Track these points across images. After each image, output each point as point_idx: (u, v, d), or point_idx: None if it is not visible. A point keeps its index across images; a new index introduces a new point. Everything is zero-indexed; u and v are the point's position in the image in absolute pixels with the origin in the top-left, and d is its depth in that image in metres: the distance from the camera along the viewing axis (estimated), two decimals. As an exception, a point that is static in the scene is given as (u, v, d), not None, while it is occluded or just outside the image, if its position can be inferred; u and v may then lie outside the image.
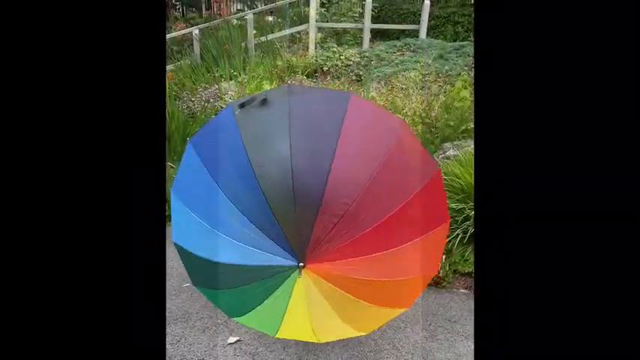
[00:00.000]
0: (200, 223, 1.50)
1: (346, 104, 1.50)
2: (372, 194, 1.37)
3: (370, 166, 1.39)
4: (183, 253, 1.66)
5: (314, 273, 1.43)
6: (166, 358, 2.01)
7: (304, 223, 1.35)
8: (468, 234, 2.73)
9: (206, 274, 1.60)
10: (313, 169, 1.35)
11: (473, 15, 8.78)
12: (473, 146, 3.52)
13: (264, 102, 1.53)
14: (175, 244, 1.63)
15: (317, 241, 1.37)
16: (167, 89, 4.82)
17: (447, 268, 2.62)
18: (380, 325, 1.84)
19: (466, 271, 2.65)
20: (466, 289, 2.57)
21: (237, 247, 1.43)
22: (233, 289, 1.57)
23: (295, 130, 1.40)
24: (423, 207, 1.48)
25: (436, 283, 2.58)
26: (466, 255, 2.72)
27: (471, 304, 2.42)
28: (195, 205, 1.54)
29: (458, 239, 2.74)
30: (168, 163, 4.03)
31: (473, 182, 2.94)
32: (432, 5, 8.74)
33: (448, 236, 2.77)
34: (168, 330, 2.19)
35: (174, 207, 1.66)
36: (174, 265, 2.83)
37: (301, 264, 1.39)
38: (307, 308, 1.52)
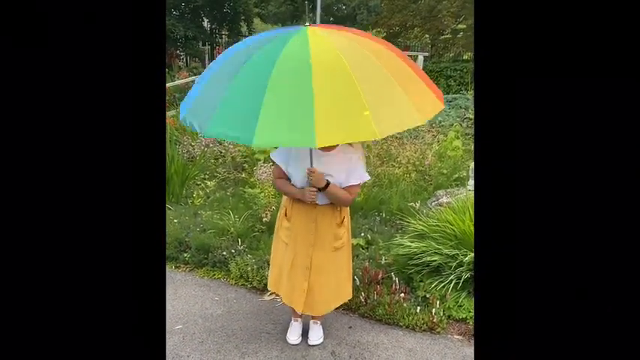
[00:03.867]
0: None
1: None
2: None
3: None
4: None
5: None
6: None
7: None
8: (462, 280, 2.75)
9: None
10: None
11: (467, 69, 9.17)
12: (465, 194, 3.60)
13: None
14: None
15: None
16: (168, 134, 4.94)
17: (442, 314, 2.61)
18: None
19: (460, 317, 2.64)
20: (460, 335, 2.55)
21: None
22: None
23: None
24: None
25: (430, 329, 2.57)
26: (460, 301, 2.72)
27: (465, 350, 2.40)
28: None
29: (452, 285, 2.75)
30: (167, 205, 4.08)
31: (466, 229, 2.98)
32: (425, 60, 9.16)
33: (442, 282, 2.79)
34: (158, 373, 2.16)
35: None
36: (167, 307, 2.81)
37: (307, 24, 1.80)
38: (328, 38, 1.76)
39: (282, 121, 1.56)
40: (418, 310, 2.62)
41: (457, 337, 2.54)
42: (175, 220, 3.71)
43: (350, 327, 2.61)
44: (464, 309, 2.68)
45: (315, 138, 1.49)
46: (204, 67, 9.56)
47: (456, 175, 4.54)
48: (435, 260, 2.85)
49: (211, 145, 5.24)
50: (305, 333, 2.45)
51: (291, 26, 1.94)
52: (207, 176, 4.68)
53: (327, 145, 1.64)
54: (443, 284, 2.77)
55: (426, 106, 1.81)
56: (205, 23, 12.62)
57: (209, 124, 1.60)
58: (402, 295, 2.71)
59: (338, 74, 1.60)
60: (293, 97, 1.57)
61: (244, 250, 3.29)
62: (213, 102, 1.64)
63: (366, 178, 2.20)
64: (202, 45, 12.28)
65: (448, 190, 4.18)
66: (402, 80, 1.74)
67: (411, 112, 1.70)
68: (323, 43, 1.70)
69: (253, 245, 3.38)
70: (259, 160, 4.57)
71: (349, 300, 2.76)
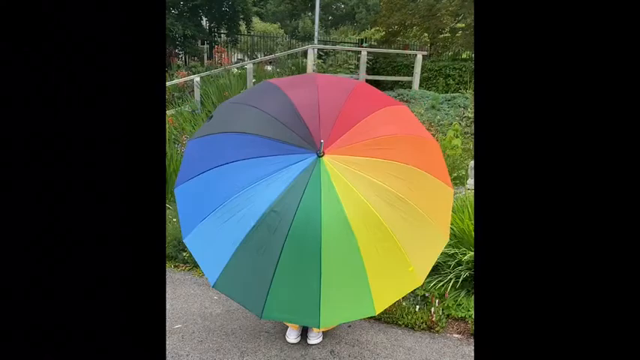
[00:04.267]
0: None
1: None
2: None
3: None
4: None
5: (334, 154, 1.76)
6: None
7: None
8: (461, 279, 2.76)
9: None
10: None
11: (465, 67, 9.17)
12: (464, 193, 3.61)
13: (210, 118, 1.94)
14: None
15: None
16: (167, 133, 4.94)
17: (440, 313, 2.62)
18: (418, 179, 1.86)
19: (459, 316, 2.65)
20: (459, 334, 2.55)
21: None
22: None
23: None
24: (367, 100, 1.99)
25: (429, 328, 2.57)
26: (459, 300, 2.73)
27: (464, 349, 2.40)
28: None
29: (451, 284, 2.76)
30: (167, 205, 4.08)
31: (465, 228, 2.99)
32: (424, 59, 9.15)
33: (441, 281, 2.80)
34: (157, 372, 2.16)
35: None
36: (166, 306, 2.81)
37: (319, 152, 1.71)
38: (348, 181, 1.70)
39: (343, 301, 1.62)
40: (417, 309, 2.62)
41: (456, 335, 2.54)
42: (174, 219, 3.71)
43: (349, 326, 2.62)
44: (463, 308, 2.68)
45: (374, 308, 1.60)
46: (203, 66, 9.54)
47: (455, 174, 4.54)
48: (434, 259, 2.85)
49: (210, 144, 5.23)
50: (304, 332, 2.45)
51: (298, 148, 1.69)
52: (206, 175, 4.67)
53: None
54: (442, 283, 2.78)
55: (446, 216, 1.91)
56: (204, 22, 12.60)
57: (266, 308, 1.61)
58: (401, 294, 2.72)
59: (379, 235, 1.63)
60: (347, 275, 1.60)
61: (243, 249, 3.29)
62: (261, 282, 1.60)
63: None
64: (201, 44, 12.25)
65: (447, 189, 4.18)
66: (426, 204, 1.76)
67: (438, 237, 1.81)
68: (352, 196, 1.64)
69: (252, 244, 3.37)
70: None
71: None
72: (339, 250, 1.59)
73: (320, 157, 1.68)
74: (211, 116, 1.91)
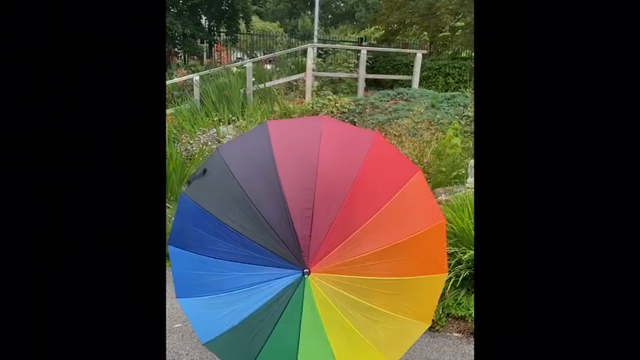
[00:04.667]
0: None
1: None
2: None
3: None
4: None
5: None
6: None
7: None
8: (461, 277, 2.76)
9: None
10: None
11: (465, 66, 9.17)
12: (464, 191, 3.61)
13: (204, 172, 1.80)
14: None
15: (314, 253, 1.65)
16: (167, 132, 4.94)
17: (440, 312, 2.62)
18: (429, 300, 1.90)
19: (459, 315, 2.65)
20: (459, 332, 2.56)
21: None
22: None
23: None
24: (376, 177, 1.74)
25: (429, 327, 2.57)
26: (459, 299, 2.73)
27: (464, 348, 2.41)
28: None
29: (450, 283, 2.76)
30: (167, 204, 4.07)
31: (465, 227, 2.99)
32: (424, 57, 9.14)
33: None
34: (158, 371, 2.16)
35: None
36: (166, 305, 2.81)
37: (306, 270, 1.62)
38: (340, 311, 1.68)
39: None
40: (417, 308, 2.62)
41: (456, 334, 2.55)
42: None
43: (349, 325, 2.62)
44: (463, 307, 2.69)
45: None
46: (202, 66, 9.54)
47: (455, 173, 4.54)
48: (434, 258, 2.85)
49: (209, 142, 5.24)
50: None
51: (285, 262, 1.65)
52: (205, 174, 4.68)
53: None
54: (442, 282, 2.77)
55: (431, 305, 1.93)
56: (203, 21, 12.58)
57: None
58: (401, 293, 2.72)
59: (362, 353, 1.73)
60: None
61: (243, 249, 3.28)
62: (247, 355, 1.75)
63: None
64: (200, 43, 12.24)
65: (447, 187, 4.18)
66: (412, 307, 1.79)
67: (421, 329, 1.88)
68: (335, 318, 1.68)
69: (252, 243, 3.37)
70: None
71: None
72: (314, 351, 1.71)
73: (305, 275, 1.65)
74: (205, 169, 1.80)
